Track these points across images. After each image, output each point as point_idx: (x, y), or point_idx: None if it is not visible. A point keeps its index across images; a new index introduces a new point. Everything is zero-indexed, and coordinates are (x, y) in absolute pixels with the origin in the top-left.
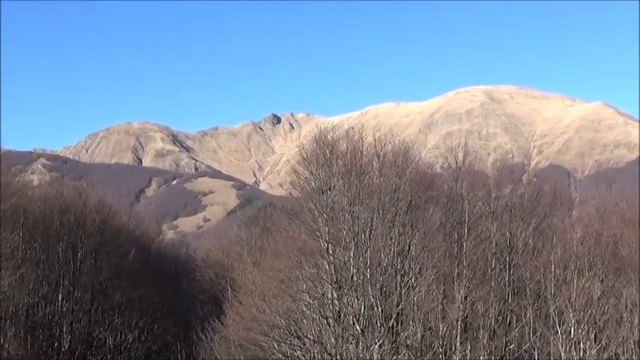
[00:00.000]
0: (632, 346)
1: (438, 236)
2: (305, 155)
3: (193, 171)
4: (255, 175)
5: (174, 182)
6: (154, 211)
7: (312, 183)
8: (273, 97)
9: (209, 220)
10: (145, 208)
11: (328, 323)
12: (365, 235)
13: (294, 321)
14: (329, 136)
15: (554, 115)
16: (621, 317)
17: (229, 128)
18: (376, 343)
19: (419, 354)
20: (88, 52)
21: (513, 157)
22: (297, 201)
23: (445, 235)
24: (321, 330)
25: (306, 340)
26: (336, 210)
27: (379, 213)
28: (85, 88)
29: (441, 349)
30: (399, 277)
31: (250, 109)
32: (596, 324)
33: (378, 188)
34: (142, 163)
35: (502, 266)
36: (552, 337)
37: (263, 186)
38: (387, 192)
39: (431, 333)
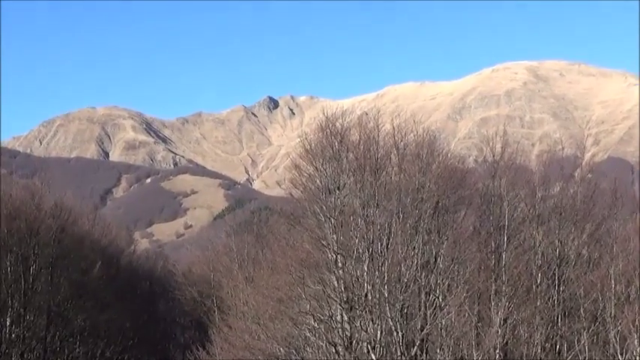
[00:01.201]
0: None
1: (471, 245)
2: (308, 147)
3: (172, 167)
4: (247, 171)
5: (149, 180)
6: (123, 215)
7: (318, 181)
8: (269, 77)
9: (191, 226)
10: (113, 213)
11: (337, 352)
12: (381, 245)
13: (295, 349)
14: (338, 124)
15: (615, 96)
16: None
17: (216, 114)
18: None
19: None
20: (40, 25)
21: (563, 148)
22: (298, 203)
23: (480, 243)
24: None
25: None
26: (347, 214)
27: (399, 217)
28: (38, 67)
29: None
30: (423, 296)
31: (241, 90)
32: None
33: (397, 187)
34: (108, 157)
35: (550, 282)
36: None
37: (257, 185)
38: (408, 191)
39: None
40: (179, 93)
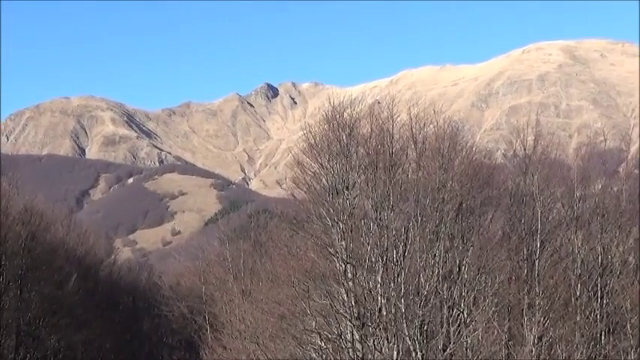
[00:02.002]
0: None
1: (500, 252)
2: (313, 141)
3: (157, 164)
4: (243, 169)
5: (131, 180)
6: (102, 220)
7: (324, 180)
8: (267, 61)
9: (179, 232)
10: (91, 217)
11: None
12: (397, 252)
13: None
14: (346, 114)
15: None
16: None
17: (206, 104)
18: None
19: None
20: (5, 6)
21: (606, 140)
22: (302, 205)
23: (510, 250)
24: None
25: None
26: (357, 217)
27: (417, 221)
28: (3, 53)
29: None
30: (445, 311)
31: (235, 77)
32: None
33: (415, 186)
34: (85, 154)
35: (591, 293)
36: None
37: (254, 184)
38: (427, 191)
39: None
40: (165, 80)
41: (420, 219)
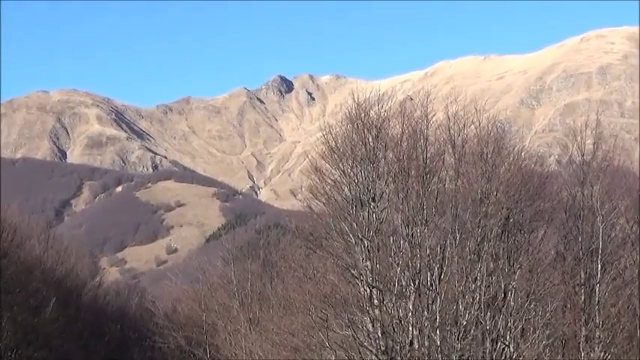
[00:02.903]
0: None
1: (553, 275)
2: (333, 144)
3: (150, 170)
4: (251, 176)
5: (120, 189)
6: (86, 236)
7: (346, 190)
8: (280, 50)
9: (176, 250)
10: (73, 232)
11: None
12: (432, 275)
13: None
14: (373, 113)
15: None
16: None
17: (209, 100)
18: None
19: None
20: None
21: None
22: (320, 219)
23: (565, 273)
24: None
25: None
26: (385, 234)
27: (455, 238)
28: None
29: None
30: (488, 344)
31: (243, 68)
32: None
33: (453, 197)
34: (66, 157)
35: None
36: None
37: (264, 194)
38: (468, 204)
39: None
40: (160, 72)
41: (458, 236)
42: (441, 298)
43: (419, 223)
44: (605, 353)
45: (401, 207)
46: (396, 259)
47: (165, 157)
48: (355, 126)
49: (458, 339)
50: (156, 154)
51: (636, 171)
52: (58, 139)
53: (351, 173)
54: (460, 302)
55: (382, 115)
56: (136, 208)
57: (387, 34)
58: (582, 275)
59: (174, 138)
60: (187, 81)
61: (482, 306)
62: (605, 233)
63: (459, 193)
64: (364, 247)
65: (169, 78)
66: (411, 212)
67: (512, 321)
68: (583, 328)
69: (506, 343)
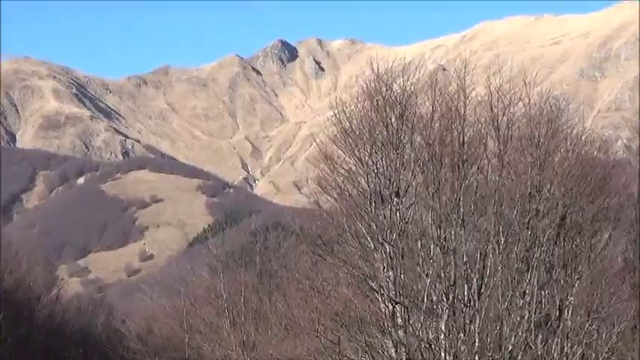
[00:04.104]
0: None
1: (621, 289)
2: (347, 125)
3: (120, 157)
4: (244, 165)
5: (81, 181)
6: (40, 238)
7: (363, 182)
8: (281, 10)
9: (152, 256)
10: (24, 234)
11: None
12: (470, 288)
13: None
14: (397, 86)
15: None
16: None
17: (192, 70)
18: None
19: None
20: None
21: None
22: (331, 219)
23: (635, 286)
24: None
25: None
26: (412, 236)
27: (499, 242)
28: None
29: None
30: None
31: (234, 32)
32: None
33: (496, 192)
34: (15, 141)
35: None
36: None
37: (261, 188)
38: (514, 200)
39: None
40: (132, 35)
41: (503, 240)
42: (480, 317)
43: (453, 223)
44: None
45: (431, 203)
46: (425, 268)
47: (139, 141)
48: (375, 103)
49: None
50: (126, 137)
51: None
52: (5, 118)
53: (370, 162)
54: (505, 322)
55: (408, 89)
56: (102, 205)
57: None
58: None
59: (150, 117)
60: (165, 47)
61: (532, 326)
62: None
63: (503, 187)
64: (385, 253)
65: (143, 43)
66: (444, 210)
67: (569, 345)
68: None
69: None
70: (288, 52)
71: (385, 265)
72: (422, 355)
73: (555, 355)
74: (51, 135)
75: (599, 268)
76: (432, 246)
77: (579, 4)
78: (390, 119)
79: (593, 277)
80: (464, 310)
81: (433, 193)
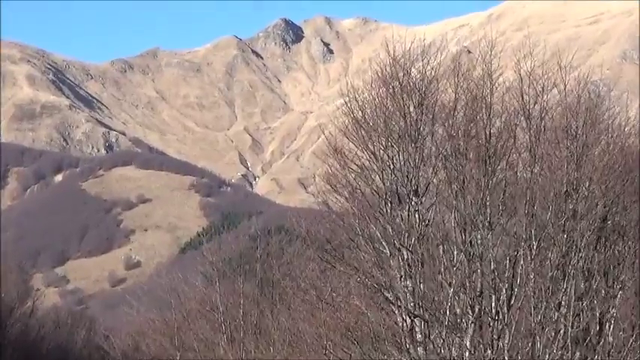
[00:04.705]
0: None
1: None
2: (360, 115)
3: (103, 152)
4: (243, 161)
5: (60, 178)
6: (13, 244)
7: (378, 179)
8: None
9: (139, 264)
10: None
11: None
12: (499, 300)
13: None
14: (415, 71)
15: None
16: None
17: (184, 53)
18: None
19: None
20: None
21: None
22: (341, 221)
23: None
24: None
25: None
26: (432, 241)
27: (531, 247)
28: None
29: None
30: None
31: (232, 10)
32: None
33: (528, 190)
34: None
35: None
36: None
37: (262, 186)
38: (549, 199)
39: None
40: (116, 14)
41: (535, 244)
42: (510, 332)
43: (480, 226)
44: None
45: (455, 203)
46: (448, 276)
47: (124, 134)
48: (391, 90)
49: None
50: (110, 129)
51: None
52: None
53: (385, 156)
54: (538, 337)
55: (428, 74)
56: (83, 205)
57: None
58: None
59: (136, 106)
60: (153, 26)
61: (568, 343)
62: None
63: (535, 185)
64: (403, 260)
65: (129, 22)
66: (469, 211)
67: None
68: None
69: None
70: (293, 33)
71: (402, 273)
72: None
73: None
74: (25, 127)
75: None
76: (455, 252)
77: None
78: (408, 108)
79: (637, 287)
80: (491, 324)
81: (457, 192)
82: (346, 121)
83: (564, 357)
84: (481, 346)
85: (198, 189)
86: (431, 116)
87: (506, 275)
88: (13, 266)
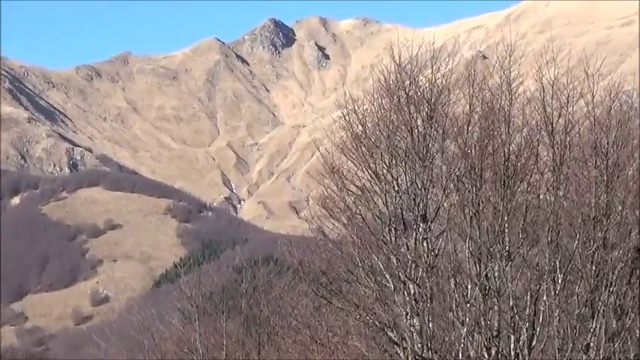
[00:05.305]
0: None
1: None
2: (360, 130)
3: (67, 171)
4: (227, 181)
5: (17, 201)
6: None
7: (380, 203)
8: None
9: (106, 298)
10: None
11: None
12: (518, 341)
13: None
14: (424, 79)
15: None
16: None
17: (159, 58)
18: None
19: None
20: None
21: None
22: (338, 250)
23: None
24: None
25: None
26: (443, 273)
27: (555, 281)
28: None
29: None
30: None
31: (214, 10)
32: None
33: (551, 215)
34: None
35: None
36: None
37: (248, 210)
38: (575, 225)
39: None
40: (82, 15)
41: (560, 277)
42: None
43: (497, 256)
44: None
45: (468, 231)
46: (461, 314)
47: (90, 150)
48: (395, 101)
49: None
50: (75, 144)
51: None
52: None
53: (389, 176)
54: None
55: (438, 83)
56: (44, 232)
57: None
58: None
59: (105, 119)
60: (125, 28)
61: None
62: None
63: (560, 209)
64: (409, 294)
65: (97, 23)
66: (485, 239)
67: None
68: None
69: None
70: (283, 35)
71: (409, 310)
72: None
73: None
74: None
75: None
76: (469, 286)
77: None
78: (416, 122)
79: None
80: None
81: (471, 218)
82: (344, 136)
83: None
84: None
85: (174, 214)
86: (441, 131)
87: (527, 313)
88: None
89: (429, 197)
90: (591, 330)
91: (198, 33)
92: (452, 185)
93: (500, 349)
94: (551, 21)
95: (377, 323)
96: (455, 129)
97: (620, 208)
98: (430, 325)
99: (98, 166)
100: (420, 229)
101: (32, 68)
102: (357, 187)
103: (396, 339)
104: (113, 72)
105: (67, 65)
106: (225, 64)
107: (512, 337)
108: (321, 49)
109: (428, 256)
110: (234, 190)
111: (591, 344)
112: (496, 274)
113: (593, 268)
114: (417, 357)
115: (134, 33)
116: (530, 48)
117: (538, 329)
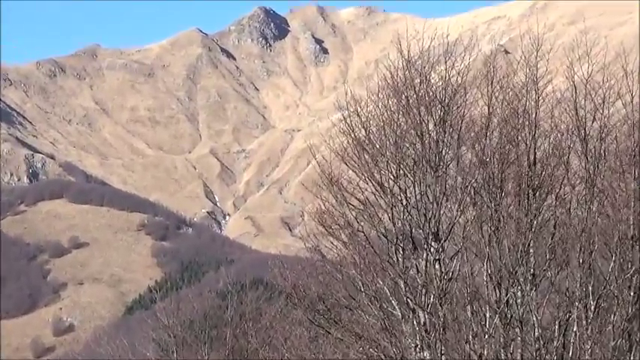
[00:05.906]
0: None
1: None
2: (363, 135)
3: (25, 181)
4: (210, 193)
5: None
6: None
7: (386, 219)
8: None
9: (71, 327)
10: None
11: None
12: None
13: None
14: (436, 76)
15: None
16: None
17: (132, 52)
18: None
19: None
20: None
21: None
22: (338, 273)
23: None
24: None
25: None
26: (458, 300)
27: (587, 308)
28: None
29: None
30: None
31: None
32: None
33: (583, 233)
34: None
35: None
36: None
37: (234, 227)
38: (611, 246)
39: None
40: (45, 4)
41: (593, 304)
42: None
43: (520, 280)
44: None
45: (487, 250)
46: (478, 346)
47: (53, 157)
48: (403, 101)
49: None
50: (35, 150)
51: None
52: None
53: (396, 188)
54: None
55: (453, 81)
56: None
57: None
58: None
59: (69, 121)
60: (94, 18)
61: None
62: None
63: (594, 227)
64: (419, 323)
65: (62, 13)
66: (506, 260)
67: None
68: None
69: None
70: (275, 26)
71: (418, 341)
72: None
73: None
74: None
75: None
76: (487, 314)
77: None
78: (427, 126)
79: None
80: None
81: (490, 236)
82: (345, 142)
83: None
84: None
85: (149, 230)
86: (456, 136)
87: (555, 345)
88: None
89: (441, 212)
90: None
91: (177, 23)
92: (468, 199)
93: None
94: (582, 11)
95: (382, 356)
96: (472, 134)
97: None
98: (443, 358)
99: (62, 176)
100: (432, 249)
101: None
102: (359, 200)
103: None
104: (79, 67)
105: (26, 59)
106: (208, 58)
107: None
108: (318, 41)
109: (440, 280)
110: (217, 204)
111: None
112: (519, 300)
113: (631, 293)
114: None
115: (104, 23)
116: (559, 41)
117: None
